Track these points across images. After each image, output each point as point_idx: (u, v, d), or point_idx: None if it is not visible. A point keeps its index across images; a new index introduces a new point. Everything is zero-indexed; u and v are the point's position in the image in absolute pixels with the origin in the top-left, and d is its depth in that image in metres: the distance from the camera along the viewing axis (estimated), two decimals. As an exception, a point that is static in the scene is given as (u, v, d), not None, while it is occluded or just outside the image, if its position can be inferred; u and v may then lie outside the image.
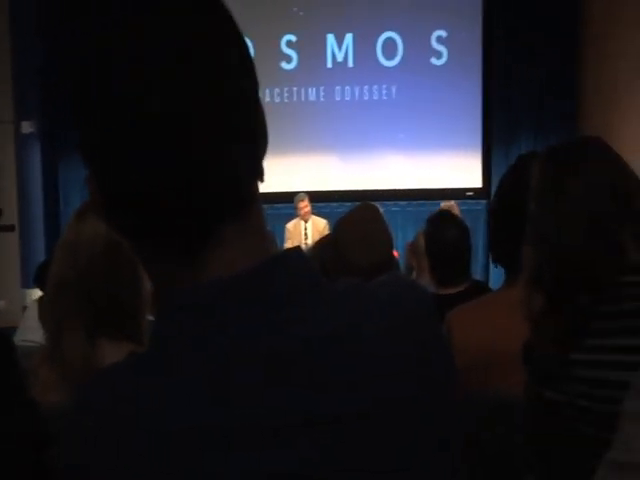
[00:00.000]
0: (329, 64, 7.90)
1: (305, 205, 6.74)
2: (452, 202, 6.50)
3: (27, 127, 7.26)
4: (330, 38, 7.85)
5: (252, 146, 0.57)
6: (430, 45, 7.72)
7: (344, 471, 0.52)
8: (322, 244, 2.07)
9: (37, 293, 4.36)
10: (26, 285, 5.98)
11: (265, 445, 0.51)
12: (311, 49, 7.86)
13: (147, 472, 0.51)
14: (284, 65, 7.87)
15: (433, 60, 7.74)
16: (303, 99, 7.93)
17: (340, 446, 0.52)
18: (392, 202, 7.54)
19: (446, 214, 2.64)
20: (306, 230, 6.73)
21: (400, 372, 0.56)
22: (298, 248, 0.60)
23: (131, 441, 0.52)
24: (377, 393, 0.54)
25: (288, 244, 6.53)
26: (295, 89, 7.91)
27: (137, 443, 0.52)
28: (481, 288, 2.28)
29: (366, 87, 7.84)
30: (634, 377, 0.80)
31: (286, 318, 0.54)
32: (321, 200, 6.96)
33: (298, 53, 7.87)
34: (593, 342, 1.08)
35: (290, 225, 6.87)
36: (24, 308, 4.55)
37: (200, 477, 0.51)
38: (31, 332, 3.64)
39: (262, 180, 0.59)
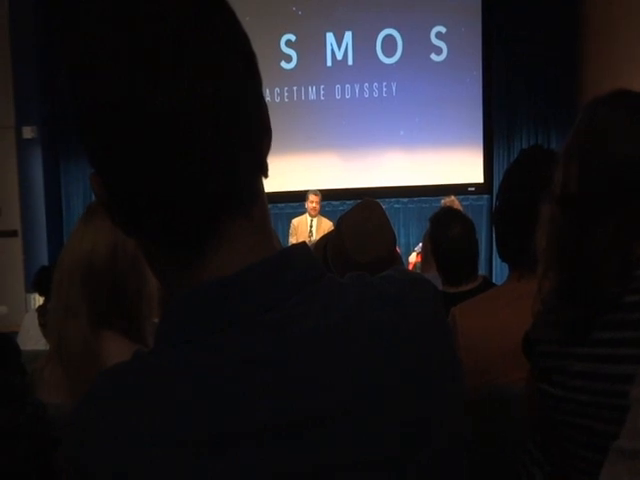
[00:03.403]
0: (329, 63, 7.90)
1: (316, 201, 6.76)
2: (452, 197, 6.48)
3: (28, 132, 7.28)
4: (329, 37, 7.85)
5: (256, 142, 0.57)
6: (430, 41, 7.71)
7: (344, 470, 0.52)
8: (325, 240, 2.07)
9: (41, 297, 4.37)
10: (29, 290, 5.99)
11: (266, 445, 0.51)
12: (311, 48, 7.86)
13: (145, 470, 0.51)
14: (284, 65, 7.88)
15: (433, 56, 7.73)
16: (303, 98, 7.93)
17: (340, 445, 0.52)
18: (394, 199, 7.56)
19: (448, 212, 2.61)
20: (312, 227, 6.74)
21: (399, 371, 0.55)
22: (303, 244, 0.60)
23: (133, 441, 0.52)
24: (374, 391, 0.54)
25: (292, 240, 6.54)
26: (295, 88, 7.91)
27: (138, 442, 0.51)
28: (490, 286, 2.25)
29: (366, 85, 7.84)
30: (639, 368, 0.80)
31: (289, 316, 0.54)
32: (323, 199, 6.97)
33: (298, 52, 7.88)
34: (594, 335, 1.07)
35: (296, 221, 6.88)
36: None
37: (199, 478, 0.50)
38: (30, 341, 3.66)
39: (266, 176, 0.59)
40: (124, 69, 0.51)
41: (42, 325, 3.91)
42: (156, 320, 1.47)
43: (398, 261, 2.07)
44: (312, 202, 6.76)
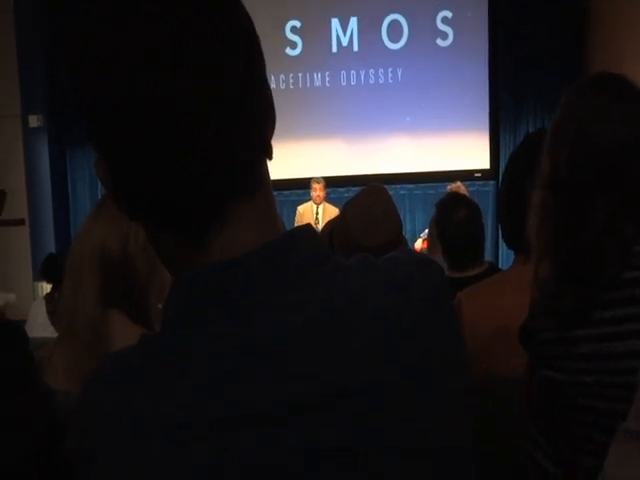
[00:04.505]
0: (334, 49, 7.86)
1: (319, 188, 6.76)
2: (458, 183, 6.45)
3: (34, 121, 7.28)
4: (335, 22, 7.80)
5: (260, 125, 0.57)
6: (436, 26, 7.66)
7: (344, 455, 0.52)
8: (331, 226, 2.07)
9: (49, 286, 4.39)
10: (37, 278, 6.02)
11: (265, 434, 0.51)
12: (316, 34, 7.82)
13: (145, 460, 0.52)
14: (289, 51, 7.84)
15: (439, 41, 7.68)
16: (309, 85, 7.90)
17: (340, 438, 0.52)
18: (400, 185, 7.53)
19: (454, 196, 2.61)
20: (317, 215, 6.73)
21: (399, 367, 0.55)
22: (308, 225, 0.60)
23: (136, 427, 0.52)
24: (374, 388, 0.54)
25: (298, 227, 6.51)
26: (300, 75, 7.88)
27: (140, 430, 0.52)
28: (496, 272, 2.24)
29: (372, 71, 7.80)
30: None
31: (291, 304, 0.54)
32: (328, 185, 6.96)
33: (303, 39, 7.84)
34: (595, 315, 1.07)
35: (301, 208, 6.88)
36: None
37: (200, 463, 0.51)
38: (38, 329, 3.69)
39: (270, 158, 0.59)
40: (124, 69, 0.51)
41: (50, 313, 3.94)
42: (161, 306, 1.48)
43: (404, 245, 2.07)
44: (315, 190, 6.75)
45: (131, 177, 0.55)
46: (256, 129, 0.57)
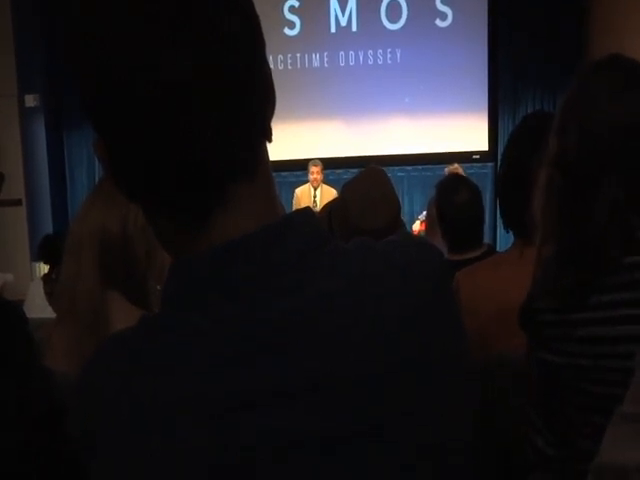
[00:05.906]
0: (333, 29, 7.81)
1: (317, 171, 6.71)
2: (456, 165, 6.44)
3: (31, 100, 7.25)
4: (333, 2, 7.75)
5: (259, 106, 0.57)
6: (435, 6, 7.60)
7: (340, 437, 0.52)
8: (329, 208, 2.07)
9: (46, 266, 4.40)
10: (34, 258, 6.03)
11: (264, 421, 0.51)
12: (314, 14, 7.76)
13: (147, 450, 0.52)
14: (287, 31, 7.79)
15: (438, 22, 7.63)
16: (307, 65, 7.86)
17: (339, 422, 0.52)
18: (398, 167, 7.51)
19: (455, 178, 2.59)
20: (315, 197, 6.71)
21: (399, 360, 0.55)
22: (308, 209, 0.60)
23: (135, 414, 0.52)
24: (374, 380, 0.53)
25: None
26: (298, 55, 7.84)
27: (140, 416, 0.52)
28: (495, 254, 2.23)
29: (370, 51, 7.75)
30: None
31: (289, 286, 0.54)
32: (326, 167, 6.94)
33: (301, 19, 7.79)
34: (593, 299, 1.07)
35: (299, 191, 6.85)
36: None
37: (200, 460, 0.51)
38: (36, 310, 3.69)
39: (270, 140, 0.59)
40: (124, 69, 0.51)
41: (48, 293, 3.94)
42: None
43: (402, 228, 2.07)
44: (313, 173, 6.70)
45: (129, 167, 0.55)
46: (256, 129, 0.57)
